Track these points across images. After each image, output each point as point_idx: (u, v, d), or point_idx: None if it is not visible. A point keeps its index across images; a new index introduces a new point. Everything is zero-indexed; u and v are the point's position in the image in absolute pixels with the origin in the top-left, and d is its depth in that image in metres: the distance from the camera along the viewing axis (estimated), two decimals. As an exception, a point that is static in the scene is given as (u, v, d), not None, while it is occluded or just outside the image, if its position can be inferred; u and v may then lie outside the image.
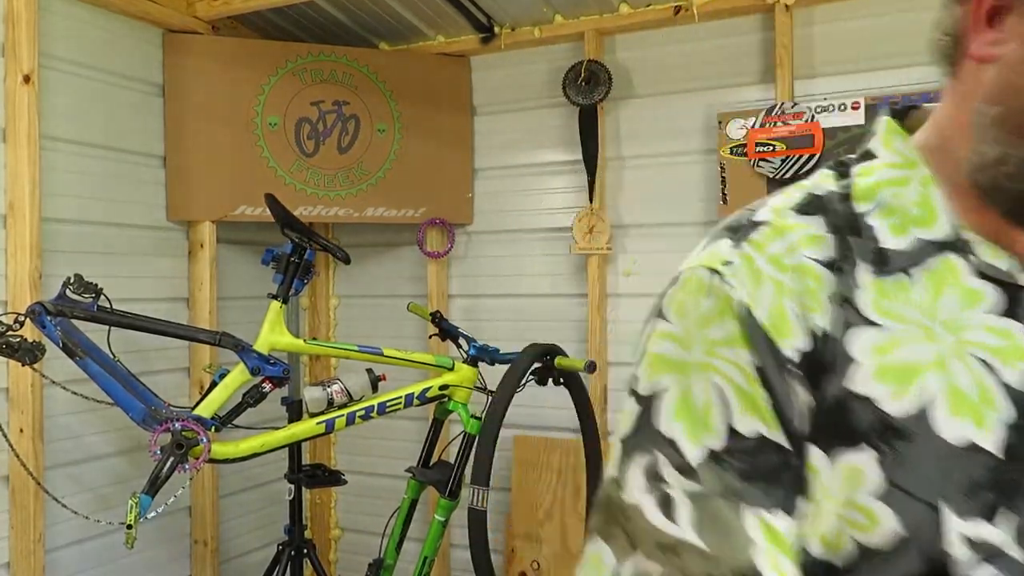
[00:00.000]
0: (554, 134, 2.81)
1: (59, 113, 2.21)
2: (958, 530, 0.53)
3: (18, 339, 1.81)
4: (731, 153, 2.47)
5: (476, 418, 2.16)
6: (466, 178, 2.91)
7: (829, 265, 0.59)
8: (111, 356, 1.95)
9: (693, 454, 0.55)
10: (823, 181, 0.66)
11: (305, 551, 2.41)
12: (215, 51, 2.60)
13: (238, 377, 2.02)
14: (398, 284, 3.09)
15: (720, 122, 2.49)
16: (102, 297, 1.94)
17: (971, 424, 0.55)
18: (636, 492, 0.56)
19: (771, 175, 2.40)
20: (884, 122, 0.68)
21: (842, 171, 0.67)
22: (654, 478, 0.56)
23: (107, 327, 1.98)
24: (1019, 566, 0.53)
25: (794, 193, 0.66)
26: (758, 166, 2.41)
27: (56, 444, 2.18)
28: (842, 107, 2.34)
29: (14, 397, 2.05)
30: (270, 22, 2.80)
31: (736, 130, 2.46)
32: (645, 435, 0.58)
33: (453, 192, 2.90)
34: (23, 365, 1.86)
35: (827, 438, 0.56)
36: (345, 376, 2.14)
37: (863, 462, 0.55)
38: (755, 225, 0.62)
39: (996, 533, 0.53)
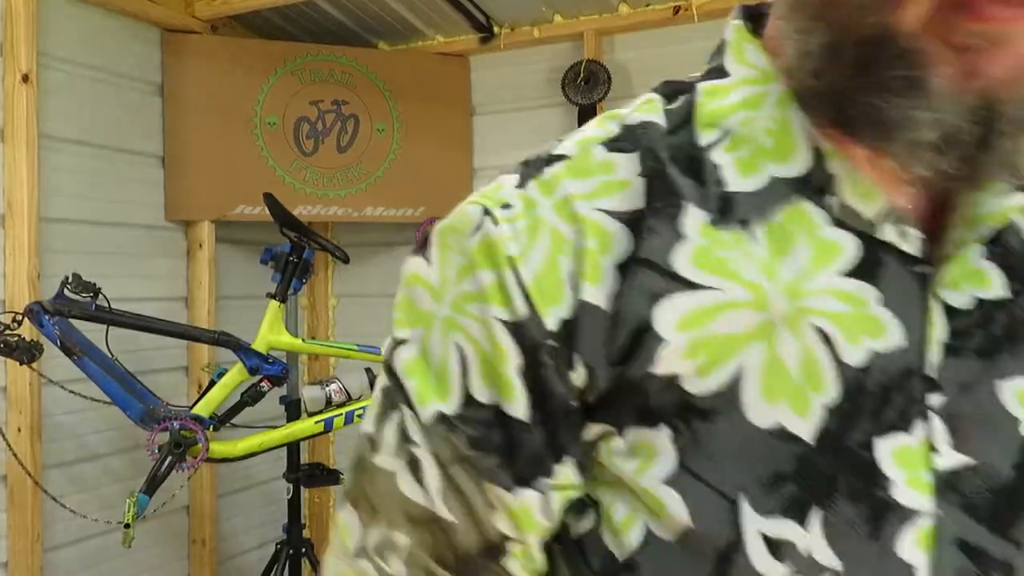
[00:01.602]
0: (553, 134, 2.81)
1: (57, 112, 2.20)
2: (757, 527, 0.45)
3: (16, 338, 1.81)
4: (730, 153, 2.47)
5: (475, 418, 2.16)
6: (465, 178, 2.91)
7: (630, 221, 0.47)
8: (109, 355, 1.95)
9: (425, 414, 0.49)
10: (645, 108, 0.53)
11: (304, 550, 2.41)
12: (214, 51, 2.60)
13: (236, 376, 2.02)
14: (397, 283, 3.09)
15: (719, 122, 2.48)
16: (100, 296, 1.94)
17: (786, 407, 0.45)
18: (387, 454, 0.51)
19: (770, 175, 2.39)
20: (734, 28, 0.53)
21: (676, 94, 0.54)
22: (404, 438, 0.50)
23: (105, 326, 1.98)
24: (815, 565, 0.45)
25: (609, 124, 0.53)
26: (757, 166, 2.41)
27: (54, 443, 2.18)
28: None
29: (12, 396, 2.05)
30: (269, 22, 2.80)
31: (735, 130, 2.46)
32: (396, 388, 0.51)
33: (452, 192, 2.89)
34: (21, 364, 1.86)
35: (625, 418, 0.47)
36: (344, 375, 2.14)
37: (658, 441, 0.46)
38: (552, 160, 0.51)
39: (800, 533, 0.45)
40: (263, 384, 2.03)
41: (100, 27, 2.34)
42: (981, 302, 0.48)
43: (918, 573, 0.45)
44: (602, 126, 0.53)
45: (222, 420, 2.03)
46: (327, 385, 2.11)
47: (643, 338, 0.46)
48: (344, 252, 2.19)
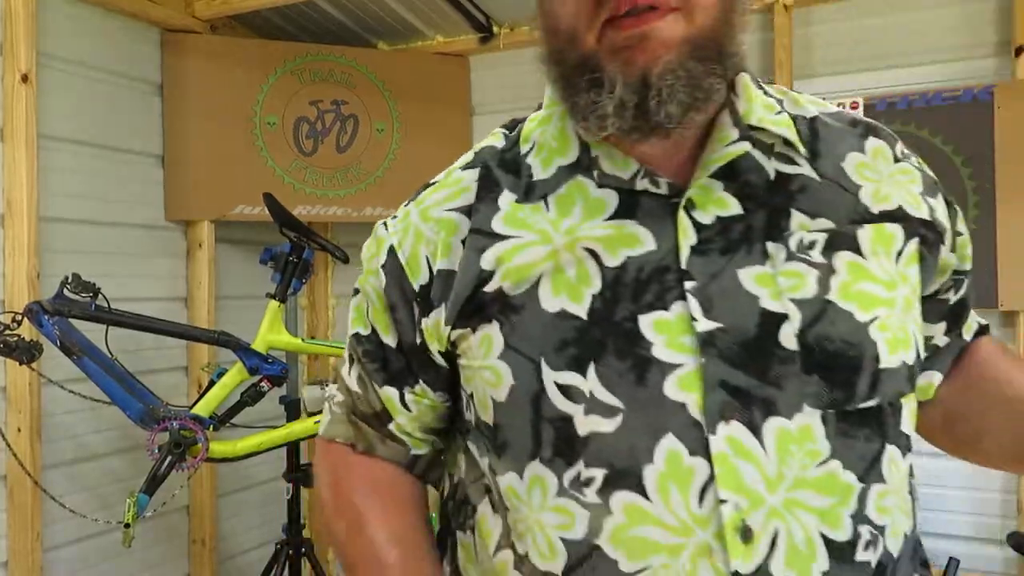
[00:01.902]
0: (553, 134, 2.80)
1: (57, 112, 2.20)
2: (552, 379, 0.67)
3: (16, 338, 1.81)
4: (729, 153, 2.47)
5: (474, 417, 2.16)
6: (465, 178, 2.91)
7: (467, 211, 0.75)
8: (109, 355, 1.95)
9: (351, 333, 0.83)
10: (489, 139, 0.82)
11: (303, 550, 2.41)
12: (213, 50, 2.60)
13: (236, 376, 2.02)
14: (397, 283, 3.09)
15: (718, 122, 2.48)
16: (100, 296, 1.94)
17: (566, 297, 0.68)
18: (346, 348, 0.85)
19: (769, 175, 2.39)
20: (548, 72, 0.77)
21: (515, 124, 0.82)
22: (350, 346, 0.84)
23: (105, 326, 1.98)
24: (601, 404, 0.65)
25: (467, 154, 0.82)
26: (756, 166, 2.41)
27: (54, 443, 2.18)
28: (841, 107, 2.33)
29: (12, 396, 2.05)
30: (268, 22, 2.80)
31: (734, 130, 2.46)
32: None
33: (452, 192, 2.89)
34: (21, 364, 1.86)
35: (474, 322, 0.72)
36: (343, 375, 2.14)
37: (492, 331, 0.71)
38: (428, 186, 0.82)
39: (581, 380, 0.66)
40: (263, 384, 2.03)
41: (99, 27, 2.33)
42: (721, 218, 0.69)
43: (689, 407, 0.64)
44: (464, 156, 0.82)
45: (222, 420, 2.03)
46: (327, 385, 2.11)
47: (481, 275, 0.71)
48: (344, 252, 2.19)
